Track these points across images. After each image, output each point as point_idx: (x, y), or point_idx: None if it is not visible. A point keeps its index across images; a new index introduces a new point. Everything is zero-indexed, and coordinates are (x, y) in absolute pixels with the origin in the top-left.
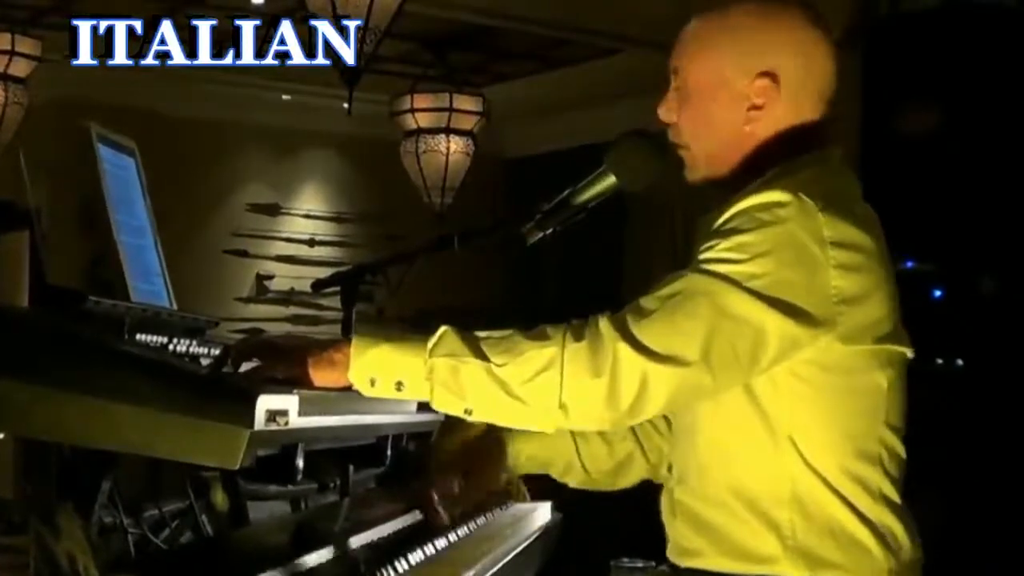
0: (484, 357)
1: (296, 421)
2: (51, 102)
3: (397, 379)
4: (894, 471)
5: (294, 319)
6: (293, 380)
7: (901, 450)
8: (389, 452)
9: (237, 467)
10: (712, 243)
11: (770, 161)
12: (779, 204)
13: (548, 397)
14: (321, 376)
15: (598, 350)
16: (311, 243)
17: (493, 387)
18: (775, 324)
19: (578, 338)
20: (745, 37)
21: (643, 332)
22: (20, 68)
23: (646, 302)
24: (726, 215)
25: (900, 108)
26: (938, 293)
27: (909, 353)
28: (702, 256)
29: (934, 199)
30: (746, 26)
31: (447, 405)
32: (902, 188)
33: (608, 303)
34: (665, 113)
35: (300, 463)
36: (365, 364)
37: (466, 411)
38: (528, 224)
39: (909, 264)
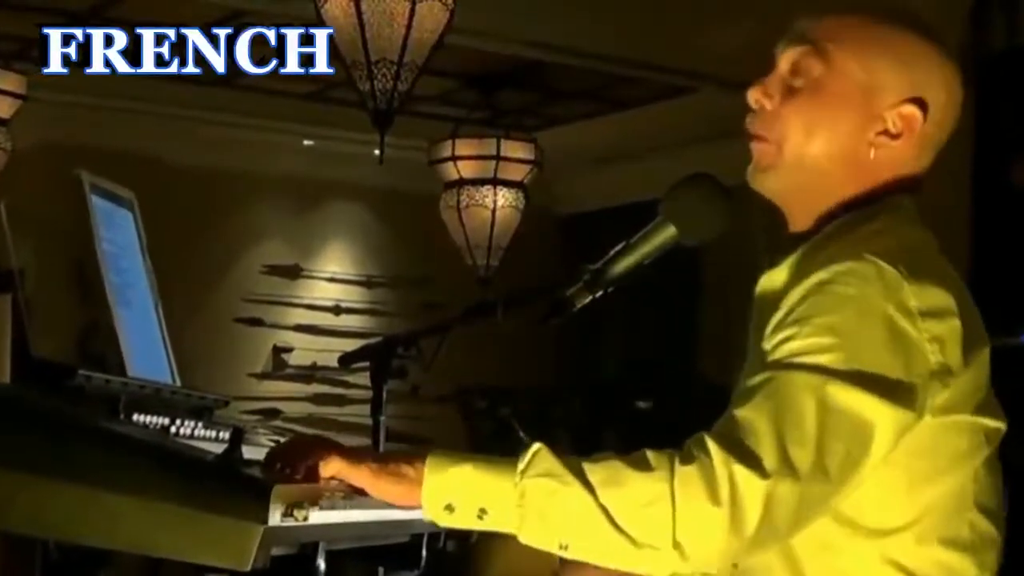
0: (586, 480)
1: (317, 516)
2: (38, 146)
3: (480, 505)
4: (991, 561)
5: (316, 398)
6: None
7: (997, 536)
8: (424, 553)
9: (248, 568)
10: (793, 331)
11: (850, 208)
12: (857, 274)
13: (660, 532)
14: (382, 489)
15: (712, 476)
16: (336, 311)
17: (597, 517)
18: (886, 412)
19: (686, 462)
20: (907, 55)
21: (756, 447)
22: (3, 108)
23: (745, 413)
24: (799, 292)
25: (1018, 156)
26: None
27: (1003, 427)
28: (787, 348)
29: None
30: (910, 43)
31: (538, 538)
32: (1019, 248)
33: (680, 384)
34: (761, 96)
35: (322, 564)
36: (441, 485)
37: (561, 546)
38: (574, 286)
39: None
